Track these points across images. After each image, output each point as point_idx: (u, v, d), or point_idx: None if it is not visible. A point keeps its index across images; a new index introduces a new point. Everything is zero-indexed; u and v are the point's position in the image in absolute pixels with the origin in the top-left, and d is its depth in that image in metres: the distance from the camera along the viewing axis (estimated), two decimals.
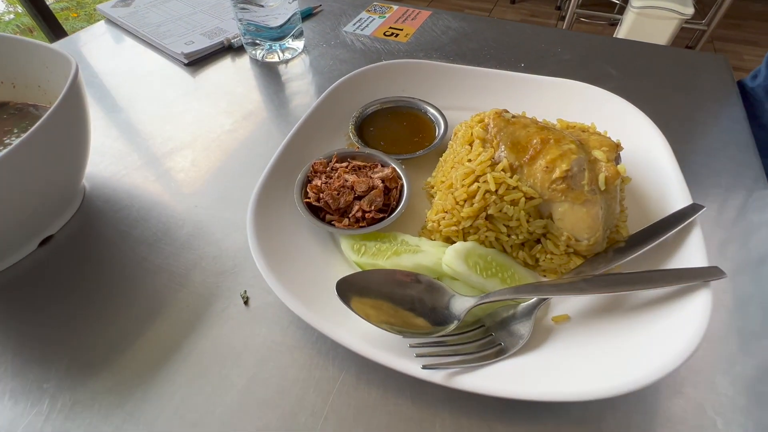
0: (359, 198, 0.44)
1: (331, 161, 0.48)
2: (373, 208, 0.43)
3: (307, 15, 0.84)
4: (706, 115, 0.60)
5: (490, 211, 0.39)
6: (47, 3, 1.39)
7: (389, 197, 0.45)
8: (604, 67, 0.69)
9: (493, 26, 0.80)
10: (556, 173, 0.37)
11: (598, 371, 0.31)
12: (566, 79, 0.55)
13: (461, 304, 0.35)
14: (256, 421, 0.33)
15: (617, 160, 0.40)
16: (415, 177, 0.48)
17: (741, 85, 0.69)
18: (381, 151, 0.49)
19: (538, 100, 0.55)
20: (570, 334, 0.35)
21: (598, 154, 0.38)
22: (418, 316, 0.34)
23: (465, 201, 0.39)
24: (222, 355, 0.37)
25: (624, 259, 0.38)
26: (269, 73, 0.70)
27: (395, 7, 0.87)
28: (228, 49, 0.75)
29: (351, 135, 0.52)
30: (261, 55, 0.71)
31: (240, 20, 0.67)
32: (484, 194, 0.39)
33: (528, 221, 0.39)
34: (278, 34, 0.69)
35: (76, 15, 2.64)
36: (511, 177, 0.39)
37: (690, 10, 1.89)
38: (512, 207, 0.38)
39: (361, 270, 0.40)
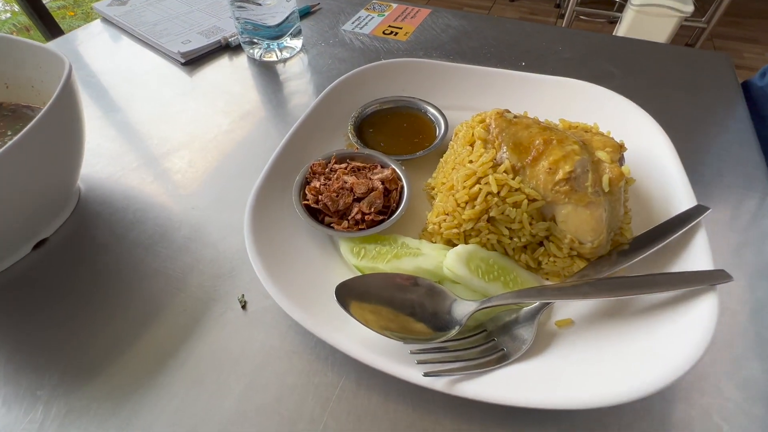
0: (358, 200, 0.43)
1: (329, 162, 0.47)
2: (372, 210, 0.42)
3: (305, 13, 0.83)
4: (709, 114, 0.59)
5: (492, 214, 0.38)
6: (43, 2, 1.37)
7: (389, 199, 0.44)
8: (605, 66, 0.68)
9: (494, 24, 0.79)
10: (560, 175, 0.36)
11: (603, 377, 0.30)
12: (568, 78, 0.54)
13: (463, 308, 0.34)
14: (254, 429, 0.32)
15: (621, 161, 0.39)
16: (415, 178, 0.48)
17: (748, 84, 0.68)
18: (380, 152, 0.48)
19: (539, 99, 0.54)
20: (574, 338, 0.34)
21: (601, 155, 0.38)
22: (419, 321, 0.34)
23: (466, 203, 0.39)
24: (219, 361, 0.36)
25: (628, 262, 0.37)
26: (267, 72, 0.69)
27: (394, 5, 0.86)
28: (225, 48, 0.74)
29: (350, 135, 0.51)
30: (259, 54, 0.71)
31: (237, 19, 0.66)
32: (486, 196, 0.38)
33: (531, 224, 0.38)
34: (276, 33, 0.68)
35: (73, 14, 2.62)
36: (513, 178, 0.38)
37: (690, 8, 1.88)
38: (514, 209, 0.38)
39: (360, 274, 0.39)
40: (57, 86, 0.38)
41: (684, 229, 0.38)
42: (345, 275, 0.39)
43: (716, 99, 0.62)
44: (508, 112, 0.42)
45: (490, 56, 0.71)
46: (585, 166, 0.36)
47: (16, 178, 0.36)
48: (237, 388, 0.34)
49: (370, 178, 0.44)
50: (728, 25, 2.54)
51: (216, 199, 0.49)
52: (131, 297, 0.40)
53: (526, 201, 0.37)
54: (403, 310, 0.34)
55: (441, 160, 0.48)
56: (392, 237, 0.42)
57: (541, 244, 0.40)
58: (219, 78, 0.68)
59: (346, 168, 0.46)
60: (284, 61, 0.71)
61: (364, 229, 0.41)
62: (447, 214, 0.40)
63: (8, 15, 2.49)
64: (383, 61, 0.58)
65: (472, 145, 0.41)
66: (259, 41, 0.69)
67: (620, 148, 0.39)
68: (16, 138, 0.33)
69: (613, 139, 0.40)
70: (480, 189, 0.38)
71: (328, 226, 0.42)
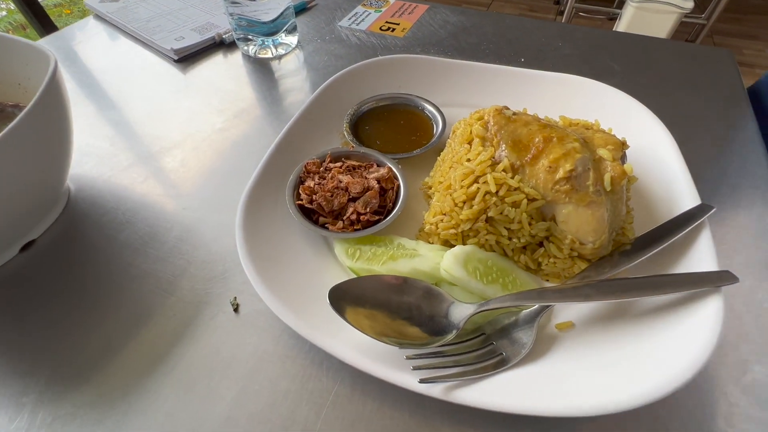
0: (354, 199, 0.42)
1: (324, 161, 0.46)
2: (368, 210, 0.41)
3: (300, 9, 0.81)
4: (713, 111, 0.58)
5: (490, 214, 0.37)
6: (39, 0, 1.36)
7: (385, 198, 0.43)
8: (606, 62, 0.67)
9: (492, 20, 0.78)
10: (560, 173, 0.35)
11: (605, 383, 0.29)
12: (568, 74, 0.53)
13: (460, 311, 0.33)
14: None
15: (623, 159, 0.38)
16: (412, 177, 0.46)
17: (759, 85, 0.67)
18: (377, 151, 0.47)
19: (539, 96, 0.53)
20: (575, 342, 0.33)
21: (603, 152, 0.37)
22: (416, 325, 0.33)
23: (464, 203, 0.38)
24: (210, 366, 0.35)
25: (630, 263, 0.36)
26: (262, 69, 0.68)
27: (392, 1, 0.85)
28: (219, 45, 0.72)
29: (345, 133, 0.50)
30: (253, 50, 0.69)
31: (231, 15, 0.65)
32: (484, 196, 0.37)
33: (530, 224, 0.37)
34: (271, 29, 0.67)
35: (69, 12, 2.60)
36: (512, 177, 0.37)
37: (689, 4, 1.87)
38: (513, 209, 0.36)
39: (355, 276, 0.38)
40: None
41: (688, 229, 0.37)
42: (339, 277, 0.38)
43: (719, 96, 0.61)
44: (507, 109, 0.41)
45: (488, 52, 0.70)
46: (586, 165, 0.35)
47: (0, 178, 0.35)
48: (229, 393, 0.33)
49: (366, 177, 0.43)
50: (728, 22, 2.52)
51: (209, 199, 0.48)
52: (120, 300, 0.39)
53: (525, 200, 0.36)
54: (399, 313, 0.33)
55: (438, 158, 0.47)
56: (388, 238, 0.41)
57: (540, 244, 0.39)
58: (213, 75, 0.67)
59: (341, 167, 0.45)
60: (279, 57, 0.70)
61: (359, 229, 0.40)
62: (444, 214, 0.39)
63: (4, 13, 2.47)
64: (380, 58, 0.57)
65: (470, 143, 0.40)
66: (254, 38, 0.68)
67: (622, 145, 0.38)
68: None
69: (614, 136, 0.39)
70: (478, 188, 0.37)
71: (323, 226, 0.41)
